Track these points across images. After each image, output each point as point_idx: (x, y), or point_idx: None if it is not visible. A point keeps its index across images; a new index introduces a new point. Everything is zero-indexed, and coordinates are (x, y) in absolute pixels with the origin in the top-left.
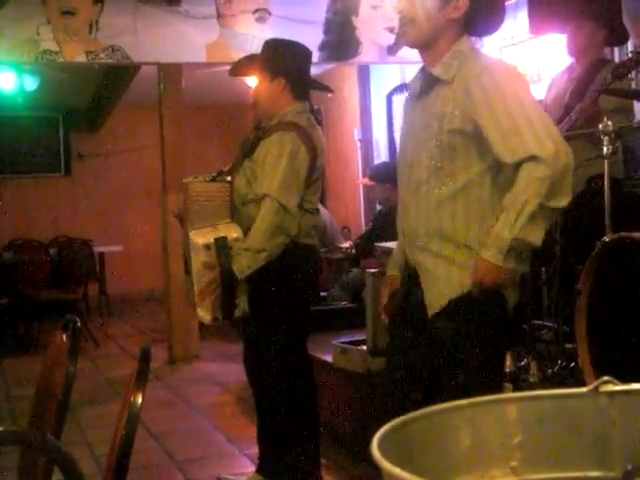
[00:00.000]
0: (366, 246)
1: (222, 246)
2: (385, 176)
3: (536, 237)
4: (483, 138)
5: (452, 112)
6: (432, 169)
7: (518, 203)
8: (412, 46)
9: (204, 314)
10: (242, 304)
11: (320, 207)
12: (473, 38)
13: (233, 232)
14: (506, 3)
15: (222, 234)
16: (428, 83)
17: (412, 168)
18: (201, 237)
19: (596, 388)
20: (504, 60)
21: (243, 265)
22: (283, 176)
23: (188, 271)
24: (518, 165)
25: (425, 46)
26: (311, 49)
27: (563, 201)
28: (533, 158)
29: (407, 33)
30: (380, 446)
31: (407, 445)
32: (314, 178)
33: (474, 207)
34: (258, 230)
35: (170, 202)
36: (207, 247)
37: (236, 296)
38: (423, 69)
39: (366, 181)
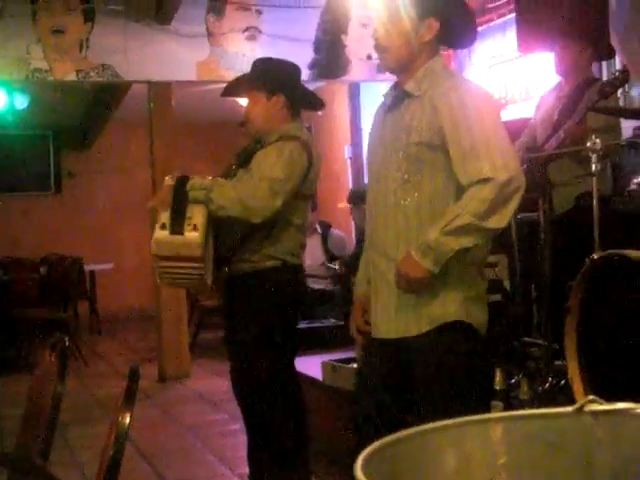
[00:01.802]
0: (355, 264)
1: (185, 176)
2: (363, 198)
3: (456, 245)
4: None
5: (419, 125)
6: (399, 181)
7: (452, 214)
8: (390, 72)
9: (157, 225)
10: (197, 222)
11: (337, 231)
12: (458, 54)
13: (203, 176)
14: (495, 22)
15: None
16: (399, 97)
17: (380, 179)
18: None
19: (581, 408)
20: (475, 81)
21: (196, 183)
22: (280, 170)
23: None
24: (470, 186)
25: (403, 70)
26: (301, 67)
27: (500, 223)
28: (483, 181)
29: (385, 60)
30: (364, 468)
31: (391, 466)
32: (306, 192)
33: (439, 218)
34: (236, 188)
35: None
36: (171, 177)
37: (189, 214)
38: (396, 85)
39: (345, 205)
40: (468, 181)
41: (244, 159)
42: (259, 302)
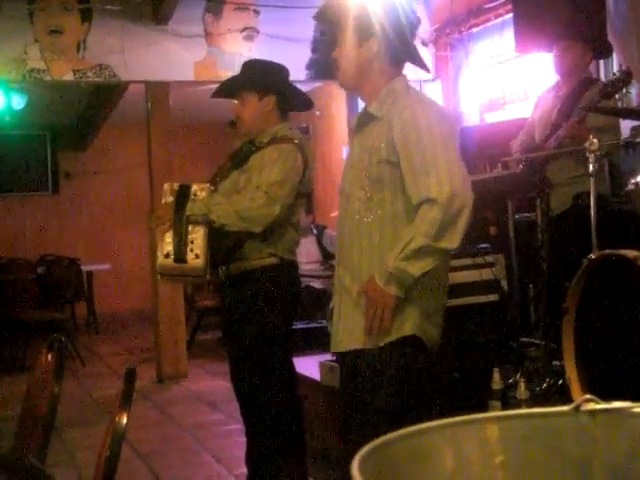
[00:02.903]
0: None
1: (184, 188)
2: None
3: (416, 270)
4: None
5: (379, 144)
6: (363, 200)
7: (407, 238)
8: (343, 88)
9: (159, 250)
10: (198, 250)
11: (331, 230)
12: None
13: (200, 186)
14: (493, 22)
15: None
16: (365, 119)
17: (348, 199)
18: (170, 186)
19: (578, 407)
20: (432, 100)
21: (195, 207)
22: (277, 174)
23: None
24: (419, 205)
25: (355, 88)
26: (299, 67)
27: (452, 243)
28: (430, 200)
29: (338, 77)
30: (361, 468)
31: (388, 466)
32: (303, 191)
33: (400, 236)
34: (229, 203)
35: None
36: (171, 187)
37: (190, 238)
38: (364, 107)
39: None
40: (417, 200)
41: (238, 160)
42: (260, 299)
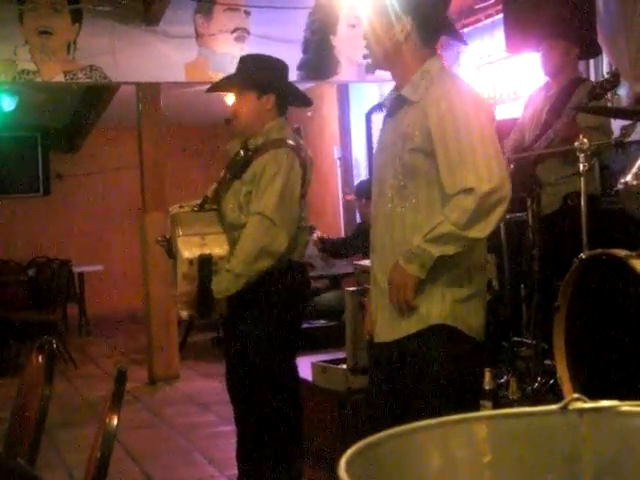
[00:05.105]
0: (334, 245)
1: (205, 264)
2: (363, 192)
3: (438, 251)
4: None
5: (413, 132)
6: (396, 187)
7: (436, 222)
8: (377, 68)
9: (182, 311)
10: (219, 308)
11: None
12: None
13: (219, 248)
14: (483, 22)
15: (208, 251)
16: (397, 103)
17: (381, 185)
18: (187, 249)
19: (566, 406)
20: (470, 85)
21: (222, 287)
22: (278, 195)
23: (171, 256)
24: (455, 195)
25: (386, 67)
26: (290, 68)
27: (482, 233)
28: (466, 191)
29: (370, 56)
30: (348, 468)
31: (376, 466)
32: (303, 194)
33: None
34: (242, 251)
35: (150, 222)
36: (190, 262)
37: (214, 304)
38: (395, 88)
39: (351, 197)
40: (453, 190)
41: (236, 170)
42: (273, 302)
